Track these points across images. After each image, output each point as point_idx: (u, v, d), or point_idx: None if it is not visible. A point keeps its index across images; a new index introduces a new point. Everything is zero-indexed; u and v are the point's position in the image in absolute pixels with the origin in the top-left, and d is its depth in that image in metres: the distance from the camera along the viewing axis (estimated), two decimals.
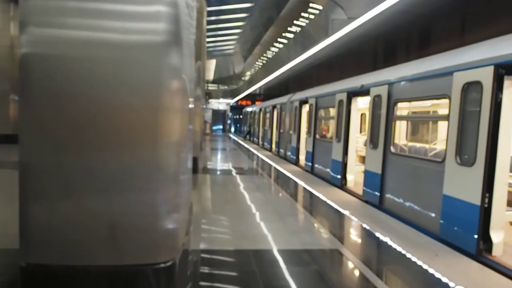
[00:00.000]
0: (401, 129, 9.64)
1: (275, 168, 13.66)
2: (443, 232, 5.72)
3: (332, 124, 11.60)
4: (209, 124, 37.32)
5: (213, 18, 25.01)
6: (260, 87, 42.29)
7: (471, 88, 5.49)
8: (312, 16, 23.41)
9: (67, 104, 2.70)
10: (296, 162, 15.23)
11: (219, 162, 15.75)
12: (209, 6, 19.07)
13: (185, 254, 3.87)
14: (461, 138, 5.60)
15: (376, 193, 7.90)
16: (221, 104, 48.19)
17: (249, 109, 34.42)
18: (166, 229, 2.93)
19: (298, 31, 27.29)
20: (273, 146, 20.80)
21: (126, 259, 2.77)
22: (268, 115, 22.82)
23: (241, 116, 43.99)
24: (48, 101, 2.68)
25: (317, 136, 12.72)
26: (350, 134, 10.01)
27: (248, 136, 32.94)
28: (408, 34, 11.88)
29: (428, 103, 8.48)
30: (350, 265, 4.73)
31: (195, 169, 10.35)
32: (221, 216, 6.67)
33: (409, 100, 7.56)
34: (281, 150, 18.37)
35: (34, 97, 2.67)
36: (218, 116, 47.65)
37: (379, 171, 7.84)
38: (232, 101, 47.00)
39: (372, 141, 8.30)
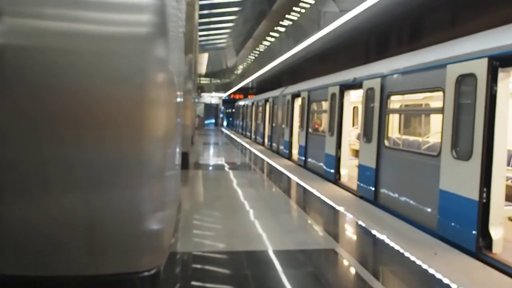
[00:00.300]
0: (394, 123, 9.48)
1: (267, 162, 13.49)
2: (441, 228, 5.58)
3: (325, 117, 11.43)
4: (199, 118, 36.99)
5: (205, 11, 24.73)
6: (252, 81, 42.11)
7: (465, 81, 5.36)
8: (303, 10, 23.20)
9: (46, 95, 2.57)
10: (289, 157, 15.06)
11: (211, 157, 15.56)
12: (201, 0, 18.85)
13: (173, 257, 3.69)
14: (456, 132, 5.46)
15: (371, 188, 7.75)
16: (213, 98, 47.98)
17: (241, 102, 34.21)
18: (151, 230, 2.77)
19: (290, 25, 27.08)
20: (266, 140, 20.63)
21: (106, 266, 2.58)
22: (260, 109, 22.63)
23: (233, 110, 43.77)
24: (25, 92, 2.56)
25: (310, 130, 12.55)
26: (343, 127, 9.85)
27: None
28: (400, 26, 11.73)
29: (420, 96, 8.33)
30: (346, 265, 4.57)
31: (185, 165, 10.17)
32: (213, 213, 6.50)
33: (403, 93, 7.40)
34: (274, 144, 18.19)
35: (10, 88, 2.54)
36: (211, 110, 47.45)
37: (373, 165, 7.68)
38: (224, 95, 46.78)
39: (366, 135, 8.14)
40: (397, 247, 4.93)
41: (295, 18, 25.41)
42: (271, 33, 32.43)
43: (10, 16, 2.53)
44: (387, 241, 5.19)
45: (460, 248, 4.96)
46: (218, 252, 4.73)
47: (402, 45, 11.46)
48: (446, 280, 3.91)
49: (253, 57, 45.60)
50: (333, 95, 10.14)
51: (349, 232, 6.09)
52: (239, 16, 30.68)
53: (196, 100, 31.03)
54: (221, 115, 49.34)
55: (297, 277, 4.06)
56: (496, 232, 4.82)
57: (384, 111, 7.47)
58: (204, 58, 50.40)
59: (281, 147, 16.57)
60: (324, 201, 7.54)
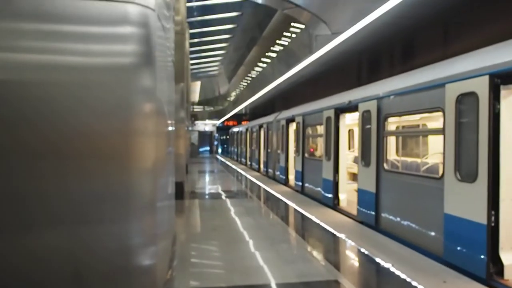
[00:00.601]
0: (391, 145, 9.33)
1: (264, 189, 13.25)
2: (447, 254, 5.35)
3: (320, 142, 11.29)
4: (193, 146, 36.76)
5: (196, 40, 24.88)
6: (245, 107, 42.16)
7: (466, 100, 5.22)
8: (294, 35, 23.40)
9: (24, 130, 2.42)
10: (286, 182, 14.84)
11: (207, 186, 15.29)
12: (191, 28, 18.94)
13: None
14: (459, 153, 5.29)
15: (371, 213, 7.53)
16: (207, 125, 47.92)
17: (235, 129, 34.12)
18: (142, 266, 2.56)
19: (281, 50, 27.27)
20: (261, 166, 20.42)
21: None
22: (254, 135, 22.51)
23: (227, 137, 43.67)
24: (1, 127, 2.39)
25: (306, 155, 12.39)
26: (340, 151, 9.70)
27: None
28: (392, 47, 11.74)
29: (417, 116, 8.21)
30: None
31: (180, 195, 9.93)
32: (210, 246, 6.24)
33: (400, 114, 7.26)
34: (270, 170, 17.98)
35: None
36: (205, 137, 47.34)
37: (373, 189, 7.49)
38: (218, 122, 46.76)
39: (364, 159, 7.97)
40: (403, 276, 4.70)
41: (286, 44, 25.59)
42: (262, 59, 32.65)
43: None
44: (393, 269, 4.96)
45: (470, 275, 4.73)
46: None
47: (396, 66, 11.45)
48: None
49: (245, 84, 45.81)
50: (328, 118, 10.02)
51: (352, 260, 5.83)
52: (230, 44, 30.91)
53: (190, 128, 30.91)
54: (215, 143, 49.21)
55: None
56: (507, 257, 4.61)
57: (381, 134, 7.33)
58: (196, 86, 50.65)
59: (277, 173, 16.36)
60: (323, 228, 7.30)
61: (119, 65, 2.53)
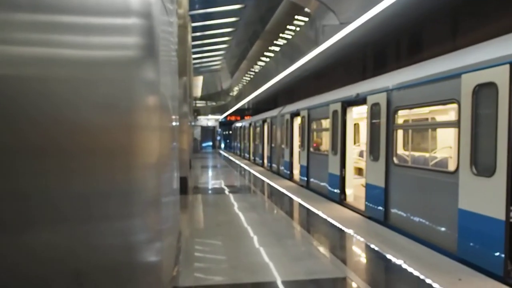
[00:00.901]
0: (403, 138, 9.11)
1: (268, 184, 13.07)
2: (462, 251, 5.16)
3: (327, 136, 11.09)
4: (196, 141, 36.65)
5: (198, 34, 24.63)
6: (248, 102, 41.96)
7: (484, 91, 5.00)
8: (298, 29, 23.12)
9: (24, 126, 2.25)
10: (290, 177, 14.66)
11: (210, 180, 15.12)
12: (193, 22, 18.69)
13: None
14: (476, 146, 5.08)
15: (380, 208, 7.34)
16: (209, 120, 47.80)
17: (238, 124, 33.93)
18: (147, 262, 2.45)
19: (285, 44, 27.01)
20: (265, 161, 20.24)
21: None
22: (258, 129, 22.31)
23: (230, 132, 43.51)
24: (1, 123, 2.24)
25: (311, 150, 12.19)
26: (347, 146, 9.50)
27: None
28: (401, 39, 11.50)
29: (426, 109, 8.00)
30: None
31: (184, 190, 9.77)
32: (215, 242, 6.08)
33: (411, 107, 7.04)
34: (274, 165, 17.80)
35: None
36: (207, 132, 47.24)
37: (382, 184, 7.29)
38: (221, 117, 46.59)
39: (373, 153, 7.77)
40: (416, 273, 4.52)
41: (290, 37, 25.33)
42: (265, 53, 32.38)
43: None
44: (405, 266, 4.78)
45: (486, 272, 4.54)
46: (223, 285, 4.33)
47: (404, 59, 11.21)
48: None
49: (248, 78, 45.56)
50: (335, 112, 9.82)
51: (362, 257, 5.64)
52: (233, 38, 30.64)
53: (193, 123, 30.77)
54: (218, 138, 49.09)
55: None
56: None
57: (391, 127, 7.13)
58: (199, 81, 50.38)
59: (282, 168, 16.18)
60: (331, 224, 7.12)
61: (121, 58, 2.41)
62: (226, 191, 11.68)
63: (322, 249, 5.77)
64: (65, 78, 2.30)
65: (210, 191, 12.01)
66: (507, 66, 4.58)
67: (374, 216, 7.59)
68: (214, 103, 60.75)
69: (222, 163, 23.85)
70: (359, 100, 8.62)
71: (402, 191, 6.85)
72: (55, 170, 2.26)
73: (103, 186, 2.33)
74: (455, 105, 5.58)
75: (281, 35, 26.11)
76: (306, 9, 17.43)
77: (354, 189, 9.59)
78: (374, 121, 7.77)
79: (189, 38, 15.69)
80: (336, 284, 4.46)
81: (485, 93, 4.97)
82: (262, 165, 20.78)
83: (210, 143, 47.89)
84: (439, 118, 8.40)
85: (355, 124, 12.40)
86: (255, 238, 6.27)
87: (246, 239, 6.26)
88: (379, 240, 5.95)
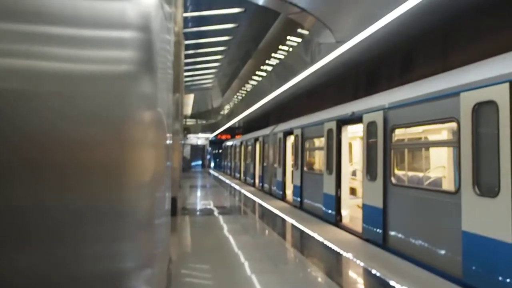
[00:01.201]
0: (401, 158, 8.89)
1: (260, 205, 12.76)
2: (468, 276, 4.90)
3: (321, 155, 10.86)
4: (185, 160, 36.28)
5: (191, 51, 24.53)
6: (239, 120, 41.78)
7: (484, 109, 4.86)
8: (291, 49, 23.11)
9: (14, 140, 2.13)
10: (283, 197, 14.35)
11: (200, 201, 14.75)
12: (186, 39, 18.57)
13: None
14: (478, 166, 4.89)
15: (379, 230, 7.08)
16: (199, 139, 47.48)
17: (229, 143, 33.67)
18: None
19: (277, 63, 27.00)
20: (257, 180, 19.92)
21: None
22: (250, 148, 22.06)
23: (221, 151, 43.20)
24: None
25: (305, 169, 11.94)
26: (342, 165, 9.27)
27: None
28: (396, 57, 11.41)
29: (419, 129, 7.80)
30: None
31: (173, 211, 9.42)
32: (205, 268, 5.74)
33: (409, 125, 6.86)
34: (266, 185, 17.48)
35: None
36: (197, 151, 46.85)
37: (380, 205, 7.05)
38: (211, 136, 46.32)
39: (370, 173, 7.54)
40: None
41: (282, 57, 25.31)
42: (257, 73, 32.37)
43: None
44: None
45: None
46: None
47: (399, 77, 11.11)
48: None
49: (240, 97, 45.54)
50: (330, 131, 9.62)
51: (364, 285, 5.34)
52: (225, 56, 30.63)
53: (183, 142, 30.45)
54: (208, 156, 48.70)
55: None
56: None
57: (388, 146, 6.93)
58: (190, 99, 50.24)
59: (274, 188, 15.88)
60: (328, 247, 6.83)
61: (117, 72, 2.26)
62: (216, 213, 11.33)
63: (320, 276, 5.47)
64: (52, 92, 2.15)
65: (200, 213, 11.64)
66: (507, 84, 4.48)
67: (372, 238, 7.32)
68: (204, 122, 60.57)
69: (211, 183, 23.48)
70: (355, 119, 8.44)
71: (402, 212, 6.60)
72: (36, 187, 2.04)
73: (92, 205, 2.12)
74: (454, 124, 5.43)
75: (273, 55, 26.10)
76: (299, 30, 17.41)
77: (350, 210, 9.33)
78: (370, 140, 7.57)
79: (182, 55, 15.55)
80: None
81: (485, 111, 4.84)
82: (254, 184, 20.45)
83: (200, 162, 47.46)
84: (436, 137, 8.22)
85: (348, 143, 12.21)
86: (247, 264, 5.94)
87: (239, 265, 5.91)
88: (380, 265, 5.68)
